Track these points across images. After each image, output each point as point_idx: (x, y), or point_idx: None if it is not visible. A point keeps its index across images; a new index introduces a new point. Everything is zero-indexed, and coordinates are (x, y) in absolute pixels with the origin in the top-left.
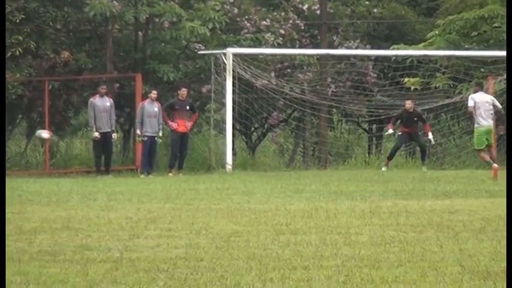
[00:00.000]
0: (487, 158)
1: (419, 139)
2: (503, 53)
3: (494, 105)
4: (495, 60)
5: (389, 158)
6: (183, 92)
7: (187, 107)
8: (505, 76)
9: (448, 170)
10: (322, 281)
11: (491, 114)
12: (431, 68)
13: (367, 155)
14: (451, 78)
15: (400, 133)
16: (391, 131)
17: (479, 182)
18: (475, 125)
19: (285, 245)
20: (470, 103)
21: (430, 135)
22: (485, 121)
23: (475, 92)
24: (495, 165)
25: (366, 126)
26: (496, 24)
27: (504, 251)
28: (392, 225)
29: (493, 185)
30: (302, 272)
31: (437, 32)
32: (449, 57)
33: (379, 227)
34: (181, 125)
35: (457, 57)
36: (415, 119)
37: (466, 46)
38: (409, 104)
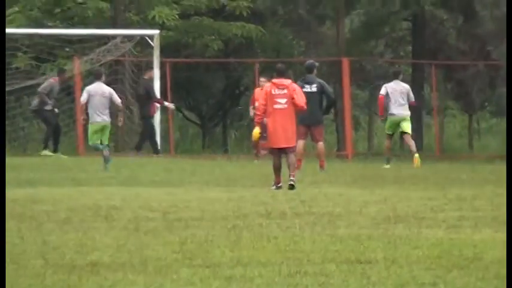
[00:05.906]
0: (389, 148)
1: None
2: (89, 31)
3: (408, 95)
4: (80, 39)
5: None
6: None
7: None
8: (91, 56)
9: (32, 156)
10: None
11: (403, 104)
12: (12, 48)
13: None
14: (34, 58)
15: None
16: None
17: (66, 169)
18: (388, 114)
19: None
20: (383, 91)
21: None
22: (396, 110)
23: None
24: (416, 155)
25: None
26: (80, 1)
27: (90, 242)
28: None
29: (79, 172)
30: None
31: (17, 9)
32: (31, 36)
33: None
34: None
35: (40, 36)
36: None
37: (50, 24)
38: None
